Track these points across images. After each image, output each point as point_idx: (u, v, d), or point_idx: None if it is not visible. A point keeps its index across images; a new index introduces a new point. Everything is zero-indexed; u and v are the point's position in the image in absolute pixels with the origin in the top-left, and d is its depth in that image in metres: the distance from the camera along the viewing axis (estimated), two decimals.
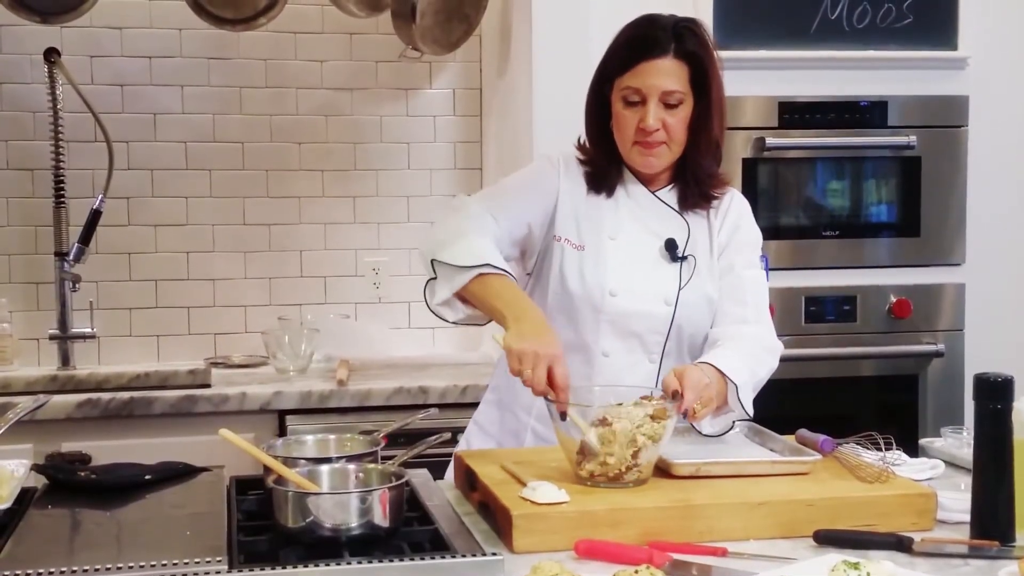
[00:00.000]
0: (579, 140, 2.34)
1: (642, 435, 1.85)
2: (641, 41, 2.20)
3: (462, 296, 2.15)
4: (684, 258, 2.25)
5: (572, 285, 2.24)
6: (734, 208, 2.32)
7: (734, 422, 2.17)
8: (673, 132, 2.20)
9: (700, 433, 2.13)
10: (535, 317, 2.07)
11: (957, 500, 1.87)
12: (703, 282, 2.26)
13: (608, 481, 1.87)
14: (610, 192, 2.29)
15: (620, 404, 1.91)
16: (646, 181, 2.30)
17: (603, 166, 2.29)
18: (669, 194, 2.30)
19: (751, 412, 2.12)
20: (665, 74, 2.17)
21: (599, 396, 2.04)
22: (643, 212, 2.28)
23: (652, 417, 1.87)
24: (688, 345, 2.27)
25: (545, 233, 2.29)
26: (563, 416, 1.93)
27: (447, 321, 2.23)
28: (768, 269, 2.35)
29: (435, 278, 2.16)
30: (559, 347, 2.01)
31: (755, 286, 2.28)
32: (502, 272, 2.12)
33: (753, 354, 2.17)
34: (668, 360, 2.24)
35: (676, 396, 1.95)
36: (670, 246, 2.25)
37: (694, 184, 2.27)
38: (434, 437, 2.03)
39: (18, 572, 1.48)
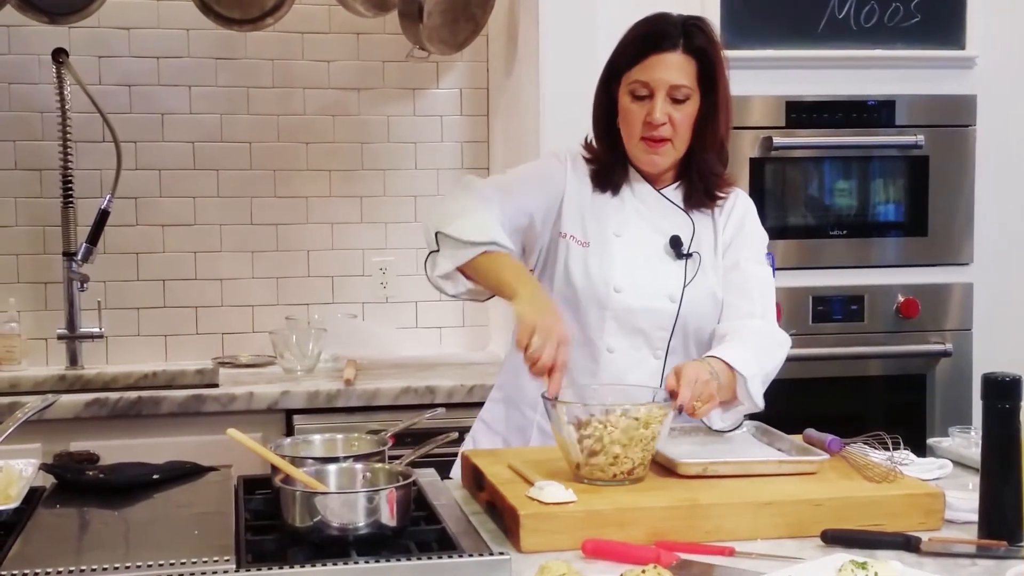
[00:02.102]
0: (586, 139, 2.35)
1: (635, 434, 1.86)
2: (650, 36, 2.21)
3: (463, 271, 2.15)
4: (689, 255, 2.26)
5: (577, 281, 2.25)
6: (739, 207, 2.33)
7: (744, 418, 2.17)
8: (679, 128, 2.21)
9: (711, 429, 2.13)
10: (546, 295, 2.10)
11: (965, 500, 1.86)
12: (708, 279, 2.26)
13: (604, 479, 1.88)
14: (615, 190, 2.30)
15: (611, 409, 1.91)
16: (651, 179, 2.30)
17: (608, 164, 2.30)
18: (674, 192, 2.30)
19: (761, 404, 2.12)
20: (674, 68, 2.18)
21: (600, 395, 2.05)
22: (648, 210, 2.29)
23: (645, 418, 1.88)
24: (694, 342, 2.27)
25: (550, 229, 2.29)
26: (553, 400, 1.95)
27: (446, 294, 2.22)
28: (775, 268, 2.35)
29: (437, 250, 2.16)
30: (567, 331, 2.02)
31: (761, 282, 2.29)
32: (508, 250, 2.13)
33: (762, 346, 2.17)
34: (673, 357, 2.24)
35: (673, 394, 1.96)
36: (675, 243, 2.26)
37: (699, 182, 2.28)
38: (441, 437, 2.03)
39: (26, 571, 1.48)
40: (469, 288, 2.18)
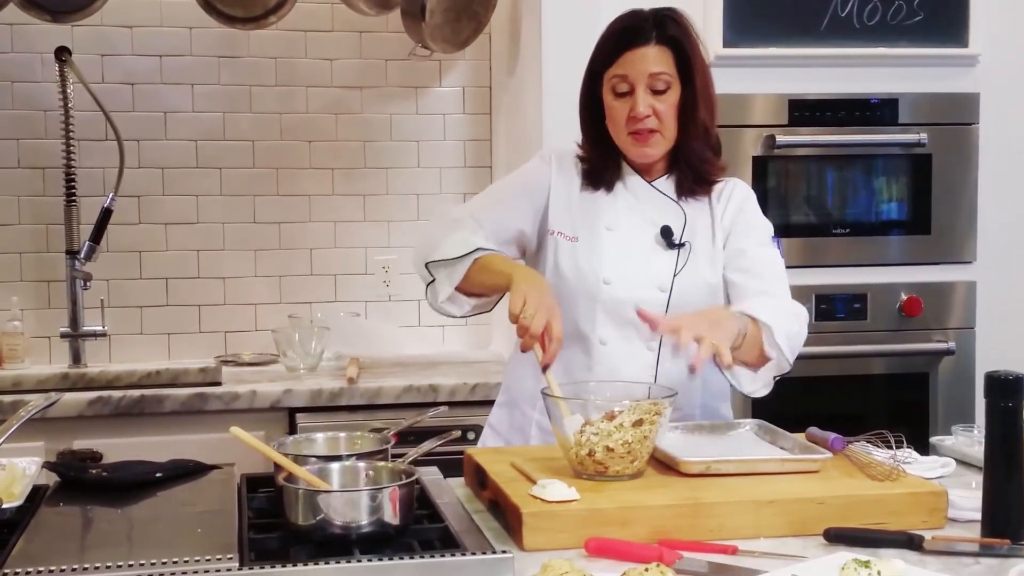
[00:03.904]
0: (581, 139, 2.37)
1: (634, 432, 1.87)
2: (624, 32, 2.25)
3: (463, 290, 2.20)
4: (681, 244, 2.27)
5: (567, 275, 2.27)
6: (737, 194, 2.34)
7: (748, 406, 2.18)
8: (664, 118, 2.22)
9: (740, 391, 2.14)
10: (540, 277, 2.14)
11: (968, 498, 1.86)
12: (701, 268, 2.27)
13: (604, 475, 1.89)
14: (609, 188, 2.32)
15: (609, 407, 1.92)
16: (643, 172, 2.32)
17: (599, 163, 2.31)
18: (666, 183, 2.32)
19: (791, 359, 2.11)
20: (650, 59, 2.21)
21: (598, 391, 2.06)
22: (640, 202, 2.31)
23: (644, 416, 1.88)
24: None
25: (538, 229, 2.33)
26: (544, 369, 1.98)
27: (455, 317, 2.28)
28: (781, 251, 2.35)
29: (433, 280, 2.22)
30: (559, 307, 2.04)
31: (769, 262, 2.29)
32: (493, 251, 2.18)
33: (783, 310, 2.17)
34: (667, 349, 2.25)
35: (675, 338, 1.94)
36: (665, 233, 2.27)
37: (688, 170, 2.30)
38: (444, 435, 2.03)
39: (29, 570, 1.48)
40: (473, 304, 2.25)
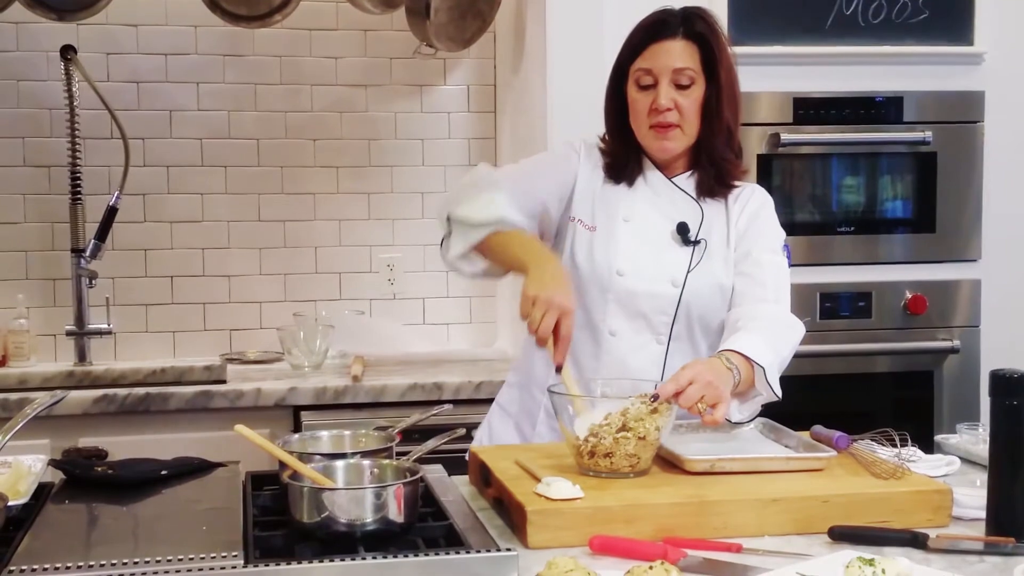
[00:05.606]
0: (603, 135, 2.37)
1: (638, 427, 1.87)
2: (651, 26, 2.26)
3: (479, 250, 2.20)
4: (696, 242, 2.27)
5: (581, 264, 2.27)
6: (755, 200, 2.34)
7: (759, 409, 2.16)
8: (686, 113, 2.22)
9: (729, 421, 2.12)
10: (556, 267, 2.11)
11: (973, 496, 1.86)
12: (715, 267, 2.27)
13: (607, 470, 1.89)
14: (630, 182, 2.32)
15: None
16: (664, 168, 2.32)
17: (622, 158, 2.31)
18: (687, 181, 2.32)
19: (779, 393, 2.10)
20: (675, 53, 2.22)
21: (603, 387, 2.07)
22: (658, 197, 2.31)
23: (652, 412, 1.89)
24: (700, 329, 2.27)
25: (561, 214, 2.32)
26: (558, 369, 1.98)
27: (464, 274, 2.27)
28: (791, 261, 2.35)
29: (450, 234, 2.22)
30: (573, 302, 2.03)
31: (774, 269, 2.28)
32: (517, 227, 2.17)
33: (775, 332, 2.15)
34: (677, 343, 2.25)
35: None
36: (682, 229, 2.27)
37: (710, 168, 2.30)
38: (448, 433, 2.03)
39: (35, 567, 1.49)
40: (485, 267, 2.24)
